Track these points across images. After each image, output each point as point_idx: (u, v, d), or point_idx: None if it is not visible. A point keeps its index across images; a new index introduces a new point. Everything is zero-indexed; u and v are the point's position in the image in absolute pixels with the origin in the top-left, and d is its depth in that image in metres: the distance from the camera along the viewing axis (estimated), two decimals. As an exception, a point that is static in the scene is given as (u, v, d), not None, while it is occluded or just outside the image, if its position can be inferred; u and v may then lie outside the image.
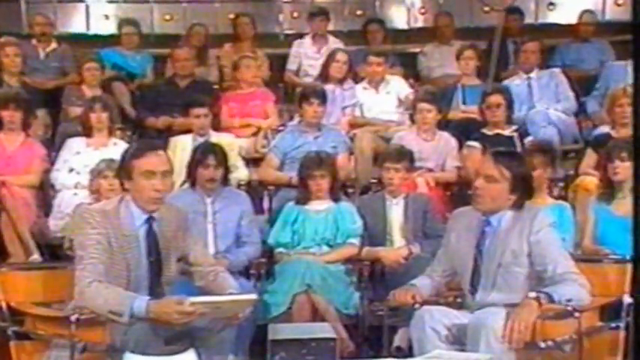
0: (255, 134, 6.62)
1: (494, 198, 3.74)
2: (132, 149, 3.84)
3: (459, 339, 3.66)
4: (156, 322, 3.45)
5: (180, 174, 5.14)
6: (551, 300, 3.51)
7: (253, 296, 3.79)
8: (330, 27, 8.13)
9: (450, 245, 3.94)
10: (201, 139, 5.98)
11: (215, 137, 6.10)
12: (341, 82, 6.80)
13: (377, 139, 6.38)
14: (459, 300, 4.05)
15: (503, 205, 3.76)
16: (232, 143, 6.14)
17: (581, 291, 3.61)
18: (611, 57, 7.59)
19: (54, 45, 7.72)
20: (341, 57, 6.88)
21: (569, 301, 3.55)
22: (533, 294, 3.52)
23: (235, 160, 6.02)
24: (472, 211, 3.89)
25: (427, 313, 3.69)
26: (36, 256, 5.21)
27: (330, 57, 6.91)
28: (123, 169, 3.73)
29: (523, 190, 3.77)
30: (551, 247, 3.69)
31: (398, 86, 6.98)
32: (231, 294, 3.75)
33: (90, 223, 3.62)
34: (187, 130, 6.21)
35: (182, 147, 5.96)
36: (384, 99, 6.89)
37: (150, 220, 3.72)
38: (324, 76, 6.85)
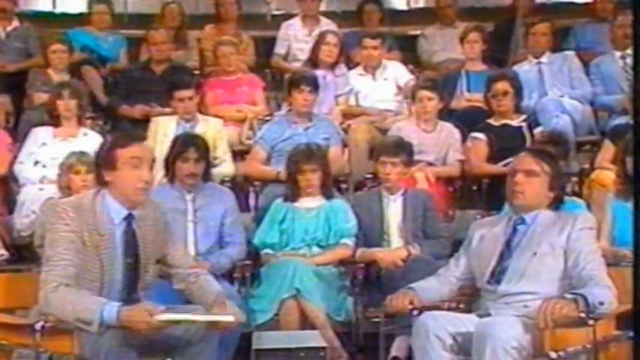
0: (244, 121, 6.62)
1: (535, 193, 3.88)
2: (116, 139, 3.82)
3: (464, 348, 3.67)
4: (128, 331, 3.45)
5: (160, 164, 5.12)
6: (586, 302, 3.54)
7: (231, 318, 3.67)
8: (322, 7, 8.11)
9: (470, 247, 4.03)
10: (187, 125, 5.98)
11: (203, 122, 6.10)
12: (332, 66, 6.81)
13: (373, 131, 6.39)
14: (461, 306, 4.06)
15: (542, 203, 3.89)
16: (221, 130, 6.16)
17: (611, 295, 3.66)
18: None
19: (16, 23, 7.68)
20: (331, 39, 6.88)
21: (601, 304, 3.59)
22: (569, 295, 3.56)
23: (224, 153, 6.03)
24: (497, 219, 4.08)
25: (431, 319, 3.70)
26: (1, 252, 5.19)
27: (320, 39, 6.91)
28: (105, 159, 3.70)
29: (559, 189, 3.93)
30: (588, 248, 3.80)
31: (396, 72, 6.98)
32: (210, 308, 3.70)
33: (63, 218, 3.60)
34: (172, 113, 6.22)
35: (164, 131, 5.97)
36: (381, 86, 6.90)
37: (129, 218, 3.71)
38: (314, 60, 6.85)
